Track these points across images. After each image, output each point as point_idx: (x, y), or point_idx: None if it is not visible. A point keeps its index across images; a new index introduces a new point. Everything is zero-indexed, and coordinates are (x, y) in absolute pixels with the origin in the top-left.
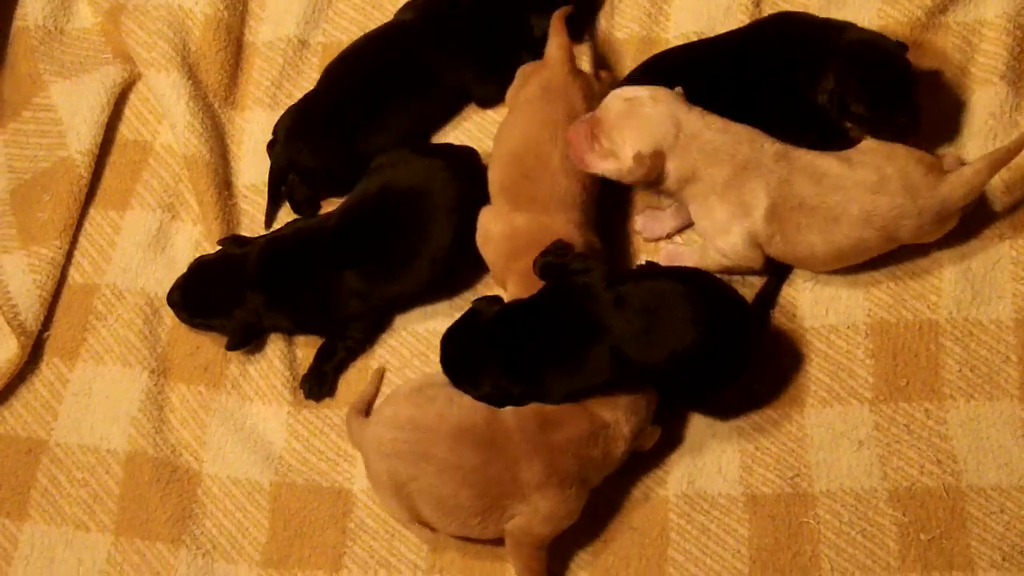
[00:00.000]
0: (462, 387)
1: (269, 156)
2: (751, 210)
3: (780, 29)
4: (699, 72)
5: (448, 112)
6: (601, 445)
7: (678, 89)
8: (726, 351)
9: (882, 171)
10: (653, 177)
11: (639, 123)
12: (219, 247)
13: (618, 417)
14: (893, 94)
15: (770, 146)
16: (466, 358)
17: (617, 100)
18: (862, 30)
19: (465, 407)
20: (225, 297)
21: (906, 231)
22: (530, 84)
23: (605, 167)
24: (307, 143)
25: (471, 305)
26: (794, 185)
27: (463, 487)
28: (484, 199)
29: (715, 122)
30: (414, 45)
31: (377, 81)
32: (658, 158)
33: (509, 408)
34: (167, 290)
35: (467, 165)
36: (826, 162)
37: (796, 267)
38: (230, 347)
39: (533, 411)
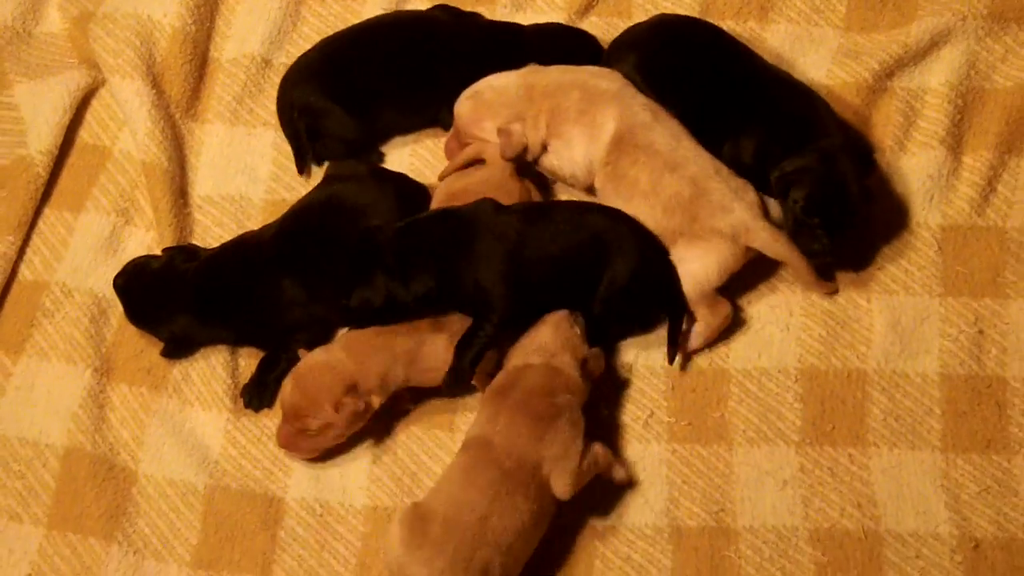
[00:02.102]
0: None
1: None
2: (600, 134)
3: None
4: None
5: (429, 120)
6: (555, 376)
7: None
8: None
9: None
10: (527, 143)
11: (487, 108)
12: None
13: (550, 349)
14: (834, 221)
15: (638, 94)
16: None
17: (462, 103)
18: (843, 148)
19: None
20: (158, 310)
21: (707, 216)
22: (468, 177)
23: (470, 154)
24: (313, 82)
25: None
26: (651, 130)
27: (515, 514)
28: None
29: (554, 68)
30: (440, 41)
31: (395, 57)
32: (520, 124)
33: (480, 425)
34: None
35: (415, 198)
36: (692, 139)
37: (605, 201)
38: (164, 354)
39: (486, 404)
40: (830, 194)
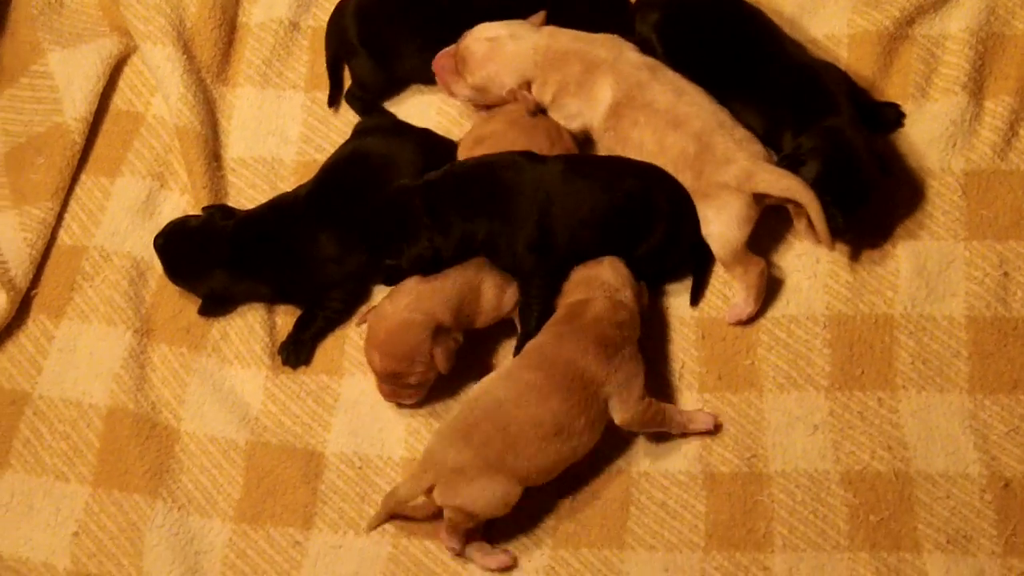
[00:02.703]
0: (396, 246)
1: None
2: (596, 105)
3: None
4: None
5: None
6: (621, 308)
7: (534, 17)
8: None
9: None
10: (537, 101)
11: (499, 60)
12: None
13: (614, 285)
14: (848, 198)
15: (636, 56)
16: (406, 217)
17: (480, 42)
18: (850, 124)
19: (519, 393)
20: (197, 266)
21: (712, 172)
22: (494, 120)
23: (465, 94)
24: (350, 19)
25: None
26: (648, 89)
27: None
28: None
29: (564, 34)
30: None
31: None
32: (529, 87)
33: (540, 342)
34: (153, 255)
35: (442, 151)
36: (697, 88)
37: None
38: (202, 312)
39: (547, 330)
40: (841, 172)
